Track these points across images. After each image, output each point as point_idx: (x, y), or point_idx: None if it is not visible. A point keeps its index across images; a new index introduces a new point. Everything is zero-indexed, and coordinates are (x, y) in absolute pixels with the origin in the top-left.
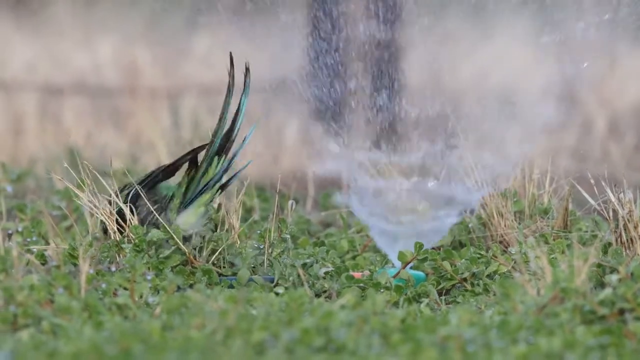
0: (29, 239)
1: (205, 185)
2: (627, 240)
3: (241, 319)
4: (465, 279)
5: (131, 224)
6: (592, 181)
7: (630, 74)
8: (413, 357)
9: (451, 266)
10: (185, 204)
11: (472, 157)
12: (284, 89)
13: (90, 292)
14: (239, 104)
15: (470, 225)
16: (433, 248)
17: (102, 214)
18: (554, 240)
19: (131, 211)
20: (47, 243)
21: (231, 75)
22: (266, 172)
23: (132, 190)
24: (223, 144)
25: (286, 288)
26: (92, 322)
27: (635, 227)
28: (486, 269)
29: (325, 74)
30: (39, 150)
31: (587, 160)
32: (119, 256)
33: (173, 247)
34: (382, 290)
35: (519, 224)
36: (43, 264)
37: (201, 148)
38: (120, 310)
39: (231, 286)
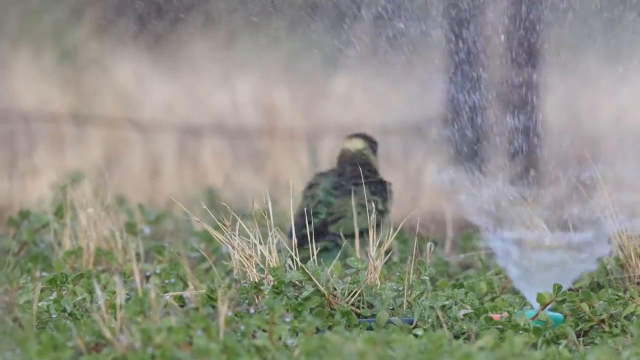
0: (167, 281)
1: None
2: None
3: None
4: (603, 321)
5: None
6: None
7: None
8: None
9: (589, 308)
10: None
11: (611, 200)
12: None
13: (229, 334)
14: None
15: (608, 267)
16: (571, 290)
17: (241, 256)
18: None
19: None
20: (186, 285)
21: None
22: (405, 213)
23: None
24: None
25: (425, 330)
26: None
27: None
28: (624, 310)
29: (463, 115)
30: (177, 192)
31: None
32: (258, 298)
33: (312, 289)
34: (520, 332)
35: None
36: (181, 306)
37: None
38: (259, 352)
39: (370, 328)
